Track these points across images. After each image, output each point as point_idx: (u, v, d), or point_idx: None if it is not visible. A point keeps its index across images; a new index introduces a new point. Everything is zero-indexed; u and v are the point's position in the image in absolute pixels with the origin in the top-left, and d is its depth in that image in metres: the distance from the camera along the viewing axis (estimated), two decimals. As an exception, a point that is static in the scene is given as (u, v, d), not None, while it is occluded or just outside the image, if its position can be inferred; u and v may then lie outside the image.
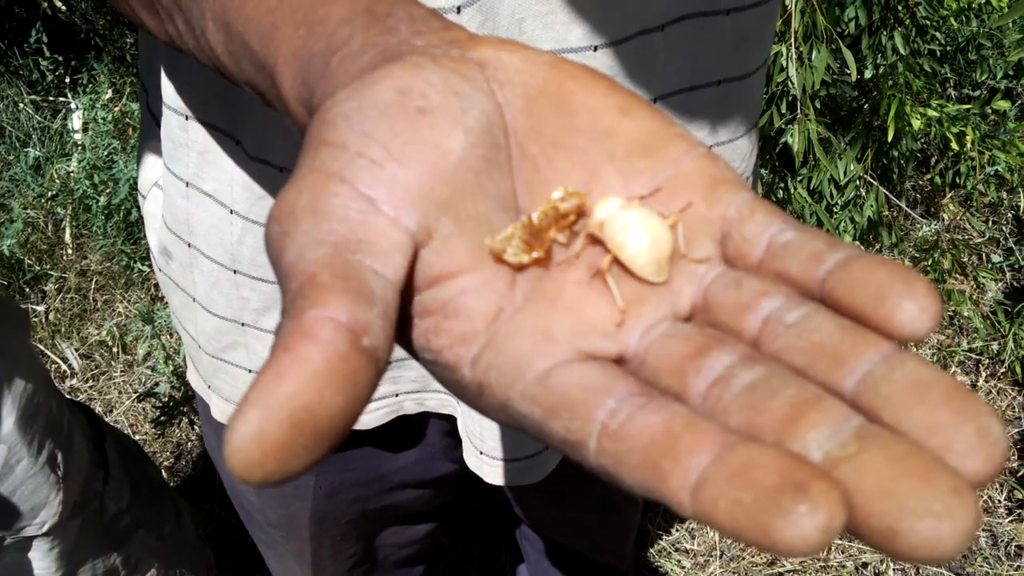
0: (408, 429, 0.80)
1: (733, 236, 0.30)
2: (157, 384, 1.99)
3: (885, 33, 1.93)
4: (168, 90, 0.63)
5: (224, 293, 0.69)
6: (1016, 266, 2.20)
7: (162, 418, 1.94)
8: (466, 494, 0.95)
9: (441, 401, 0.74)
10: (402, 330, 0.30)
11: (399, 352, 0.69)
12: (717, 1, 0.58)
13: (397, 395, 0.74)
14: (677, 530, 1.86)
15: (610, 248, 0.30)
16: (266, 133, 0.59)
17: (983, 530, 1.85)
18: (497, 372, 0.28)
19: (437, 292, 0.29)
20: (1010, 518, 1.87)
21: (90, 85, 2.53)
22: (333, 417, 0.25)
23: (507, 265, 0.30)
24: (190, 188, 0.66)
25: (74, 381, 2.06)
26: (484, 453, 0.75)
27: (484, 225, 0.30)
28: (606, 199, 0.31)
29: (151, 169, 0.74)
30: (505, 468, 0.76)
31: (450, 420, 0.79)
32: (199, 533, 1.42)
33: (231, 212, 0.64)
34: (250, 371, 0.73)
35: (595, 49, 0.56)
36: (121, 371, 2.07)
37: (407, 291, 0.29)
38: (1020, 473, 1.91)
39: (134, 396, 2.03)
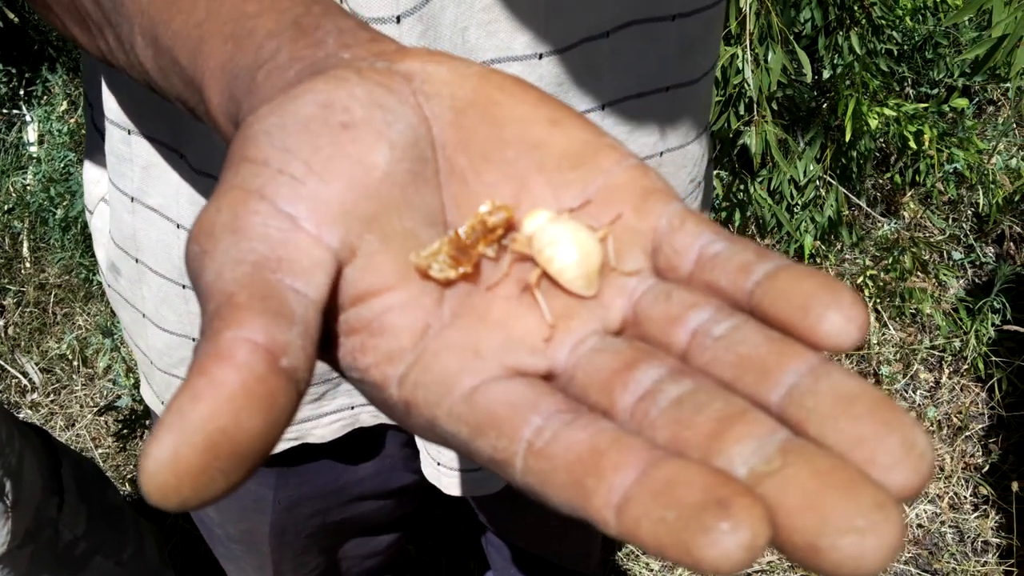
0: (366, 441, 0.80)
1: (664, 248, 0.29)
2: (119, 397, 1.98)
3: (841, 33, 1.94)
4: (110, 104, 0.62)
5: (174, 308, 0.68)
6: (977, 263, 2.22)
7: (124, 431, 1.92)
8: (430, 503, 0.95)
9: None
10: (328, 349, 0.29)
11: None
12: (662, 7, 0.58)
13: (353, 407, 0.73)
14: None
15: (539, 262, 0.30)
16: (210, 146, 0.59)
17: (950, 526, 1.86)
18: (424, 390, 0.27)
19: (362, 310, 0.29)
20: (976, 514, 1.88)
21: (45, 97, 2.51)
22: (251, 440, 0.24)
23: (434, 281, 0.29)
24: (136, 203, 0.65)
25: (35, 395, 2.04)
26: (441, 464, 0.75)
27: (411, 241, 0.30)
28: (535, 212, 0.30)
29: (97, 184, 0.73)
30: (462, 478, 0.75)
31: (408, 431, 0.78)
32: (163, 556, 1.40)
33: (178, 227, 0.63)
34: None
35: (540, 57, 0.55)
36: (82, 385, 2.06)
37: (332, 310, 0.29)
38: (985, 469, 1.93)
39: (95, 410, 2.01)
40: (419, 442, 0.76)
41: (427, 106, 0.31)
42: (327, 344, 0.29)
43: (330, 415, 0.73)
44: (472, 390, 0.27)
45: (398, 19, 0.51)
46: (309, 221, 0.28)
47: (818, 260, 2.15)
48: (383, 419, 0.74)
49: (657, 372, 0.26)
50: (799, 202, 1.96)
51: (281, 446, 0.74)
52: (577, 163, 0.31)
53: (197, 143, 0.59)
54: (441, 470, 0.75)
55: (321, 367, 0.68)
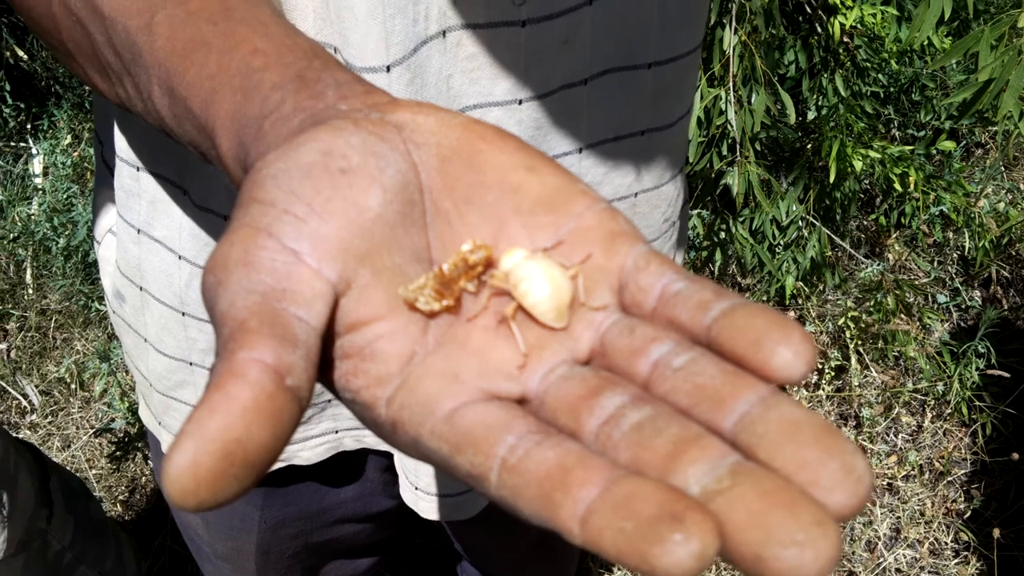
0: (348, 465, 0.82)
1: (629, 286, 0.32)
2: (113, 420, 2.00)
3: (826, 76, 1.97)
4: (121, 143, 0.65)
5: (173, 334, 0.71)
6: (962, 306, 2.23)
7: (118, 453, 1.95)
8: (408, 529, 0.97)
9: (379, 438, 0.76)
10: (325, 372, 0.32)
11: None
12: (638, 56, 0.62)
13: (337, 432, 0.76)
14: (620, 569, 1.87)
15: (515, 296, 0.33)
16: (211, 184, 0.62)
17: (929, 572, 1.86)
18: (409, 411, 0.30)
19: (355, 337, 0.32)
20: (956, 560, 1.88)
21: (50, 131, 2.55)
22: (260, 449, 0.27)
23: (420, 312, 0.32)
24: (141, 235, 0.68)
25: (34, 417, 2.07)
26: (419, 488, 0.77)
27: (399, 276, 0.33)
28: (511, 251, 0.33)
29: (105, 216, 0.76)
30: (439, 503, 0.78)
31: (388, 456, 0.81)
32: (140, 568, 1.44)
33: (179, 258, 0.67)
34: None
35: (520, 103, 0.59)
36: (79, 407, 2.08)
37: (329, 336, 0.31)
38: (967, 515, 1.93)
39: (91, 432, 2.04)
40: (398, 467, 0.79)
41: (416, 153, 0.34)
42: (324, 367, 0.32)
43: (315, 438, 0.76)
44: (452, 411, 0.30)
45: (388, 68, 0.54)
46: (311, 256, 0.31)
47: (800, 301, 2.16)
48: (365, 444, 0.77)
49: (620, 399, 0.29)
50: (781, 242, 1.97)
51: None
52: (551, 207, 0.34)
53: (199, 181, 0.63)
54: (419, 495, 0.78)
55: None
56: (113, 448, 1.97)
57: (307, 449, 0.76)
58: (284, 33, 0.40)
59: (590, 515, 0.26)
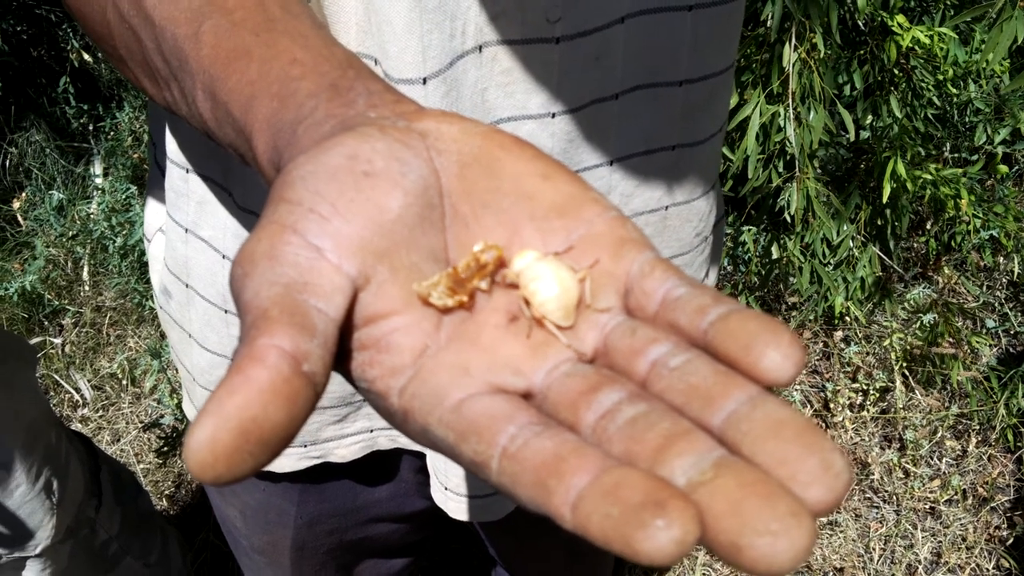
0: (383, 464, 0.84)
1: (634, 290, 0.34)
2: (162, 416, 2.05)
3: (880, 96, 1.96)
4: (171, 145, 0.68)
5: (216, 331, 0.74)
6: (1011, 332, 2.20)
7: (165, 448, 1.99)
8: (444, 532, 0.99)
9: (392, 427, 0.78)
10: (343, 362, 0.34)
11: None
12: (669, 73, 0.63)
13: (372, 431, 0.78)
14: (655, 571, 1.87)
15: (525, 295, 0.34)
16: (254, 187, 0.64)
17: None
18: (420, 400, 0.32)
19: (372, 329, 0.33)
20: (998, 585, 1.86)
21: (112, 132, 2.61)
22: (275, 428, 0.29)
23: (434, 308, 0.34)
24: (189, 234, 0.71)
25: (85, 410, 2.12)
26: (449, 489, 0.79)
27: (416, 273, 0.34)
28: (523, 252, 0.35)
29: (156, 215, 0.79)
30: (469, 504, 0.79)
31: (422, 457, 0.83)
32: (186, 562, 1.46)
33: (223, 257, 0.69)
34: None
35: (553, 116, 0.61)
36: (129, 403, 2.13)
37: (347, 328, 0.33)
38: (1009, 542, 1.90)
39: (140, 426, 2.08)
40: (429, 467, 0.80)
41: (437, 160, 0.36)
42: (342, 357, 0.34)
43: (351, 436, 0.78)
44: (459, 402, 0.31)
45: (424, 80, 0.56)
46: (332, 253, 0.33)
47: (848, 320, 2.15)
48: (399, 443, 0.79)
49: (618, 395, 0.31)
50: (831, 261, 1.97)
51: (305, 463, 0.79)
52: (563, 213, 0.35)
53: (242, 184, 0.65)
54: (448, 495, 0.79)
55: (345, 391, 0.73)
56: (161, 443, 2.01)
57: (343, 447, 0.78)
58: (322, 44, 0.42)
59: (580, 501, 0.27)
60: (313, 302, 0.32)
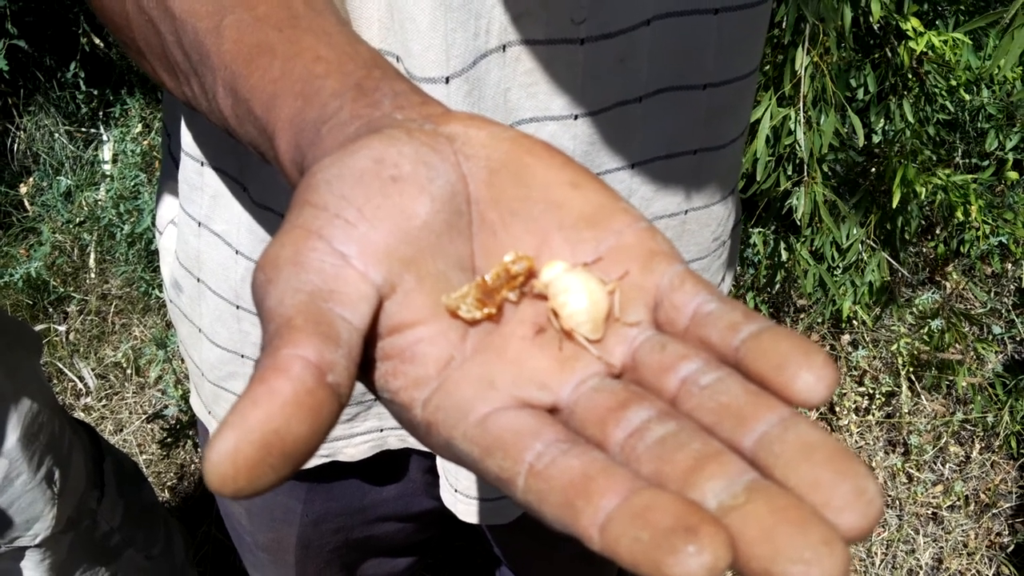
0: (392, 464, 0.84)
1: (664, 304, 0.33)
2: (166, 407, 2.04)
3: (894, 100, 1.96)
4: (187, 138, 0.67)
5: (227, 326, 0.73)
6: (1017, 338, 2.20)
7: (168, 439, 1.98)
8: (450, 532, 0.98)
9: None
10: (366, 371, 0.33)
11: None
12: (694, 76, 0.62)
13: (382, 430, 0.77)
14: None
15: (553, 307, 0.34)
16: (271, 183, 0.64)
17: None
18: (444, 413, 0.31)
19: (397, 339, 0.33)
20: (998, 593, 1.86)
21: (122, 119, 2.60)
22: (298, 442, 0.28)
23: (462, 320, 0.34)
24: (202, 228, 0.70)
25: (89, 399, 2.11)
26: (459, 491, 0.78)
27: (443, 282, 0.34)
28: (552, 263, 0.34)
29: (168, 207, 0.78)
30: (478, 506, 0.79)
31: (431, 457, 0.82)
32: (189, 556, 1.46)
33: (236, 252, 0.69)
34: None
35: (575, 118, 0.60)
36: (133, 392, 2.12)
37: (371, 337, 0.33)
38: (1010, 548, 1.90)
39: (144, 417, 2.08)
40: (439, 468, 0.80)
41: (465, 165, 0.35)
42: (365, 367, 0.33)
43: (360, 436, 0.77)
44: (485, 416, 0.31)
45: (447, 80, 0.56)
46: (358, 260, 0.32)
47: (855, 324, 2.15)
48: (409, 443, 0.78)
49: (647, 413, 0.30)
50: (840, 265, 1.96)
51: (313, 461, 0.78)
52: (592, 223, 0.35)
53: (260, 179, 0.64)
54: (458, 497, 0.79)
55: (355, 391, 0.72)
56: (164, 435, 2.01)
57: (352, 446, 0.78)
58: (346, 42, 0.41)
59: (609, 523, 0.27)
60: (338, 310, 0.31)
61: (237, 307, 0.71)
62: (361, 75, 0.38)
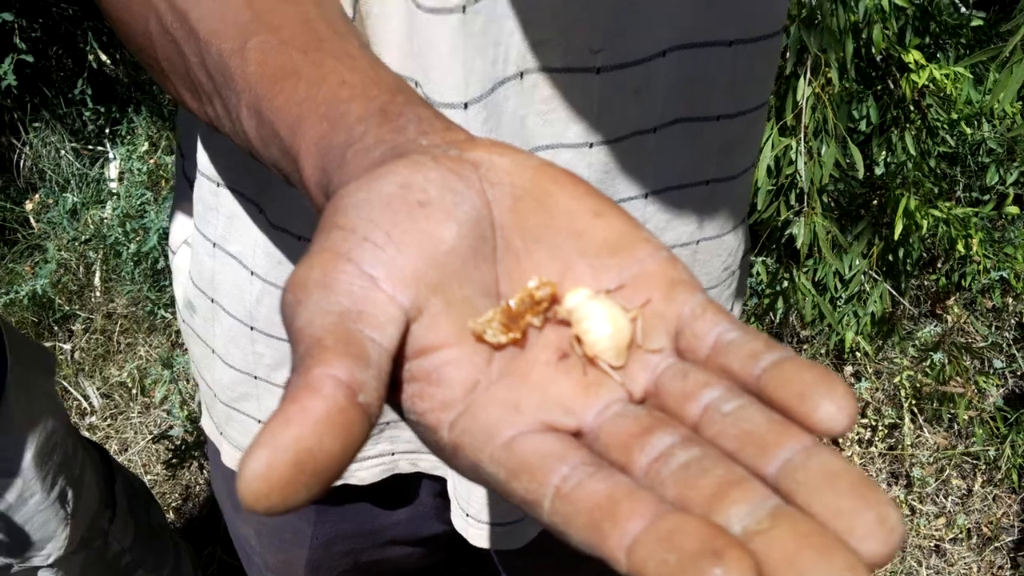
0: (402, 488, 0.84)
1: (686, 332, 0.34)
2: (171, 427, 2.04)
3: (896, 132, 1.96)
4: (203, 158, 0.68)
5: (241, 347, 0.74)
6: (1018, 372, 2.20)
7: (174, 460, 1.98)
8: (458, 556, 0.98)
9: (434, 463, 0.78)
10: (392, 393, 0.34)
11: (395, 414, 0.73)
12: (708, 107, 0.63)
13: (393, 454, 0.77)
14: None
15: (577, 333, 0.34)
16: (289, 205, 0.64)
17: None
18: (470, 436, 0.32)
19: (423, 362, 0.33)
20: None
21: (128, 137, 2.61)
22: (330, 460, 0.29)
23: (487, 344, 0.34)
24: (217, 249, 0.71)
25: (93, 419, 2.11)
26: (470, 515, 0.79)
27: (468, 307, 0.34)
28: (576, 289, 0.35)
29: (182, 227, 0.79)
30: (490, 531, 0.79)
31: (442, 482, 0.83)
32: None
33: (252, 274, 0.69)
34: (260, 421, 0.77)
35: (591, 146, 0.61)
36: (138, 412, 2.12)
37: (398, 359, 0.33)
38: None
39: (149, 437, 2.08)
40: (451, 493, 0.80)
41: (490, 191, 0.36)
42: (392, 388, 0.34)
43: (372, 459, 0.77)
44: (511, 439, 0.31)
45: (465, 105, 0.56)
46: (386, 282, 0.33)
47: (857, 355, 2.15)
48: (420, 468, 0.79)
49: (671, 439, 0.31)
50: (842, 295, 1.97)
51: None
52: (615, 251, 0.35)
53: (277, 201, 0.65)
54: (470, 521, 0.79)
55: None
56: (169, 455, 2.00)
57: (363, 469, 0.78)
58: (370, 66, 0.42)
59: (636, 546, 0.27)
60: (367, 332, 0.32)
61: (251, 328, 0.72)
62: (385, 100, 0.39)
